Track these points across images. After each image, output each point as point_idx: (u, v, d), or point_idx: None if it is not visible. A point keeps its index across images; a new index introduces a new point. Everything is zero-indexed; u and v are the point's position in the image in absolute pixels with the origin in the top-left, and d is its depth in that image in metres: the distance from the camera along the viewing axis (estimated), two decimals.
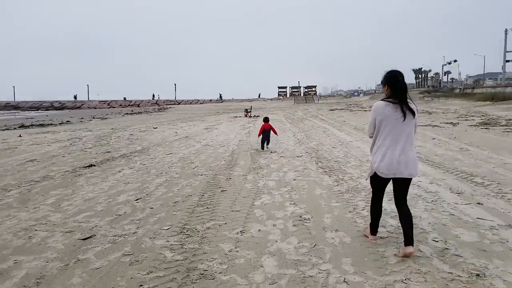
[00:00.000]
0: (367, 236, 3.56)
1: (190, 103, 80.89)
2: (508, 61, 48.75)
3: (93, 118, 33.67)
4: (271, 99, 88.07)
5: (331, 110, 31.22)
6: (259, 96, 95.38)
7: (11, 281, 2.97)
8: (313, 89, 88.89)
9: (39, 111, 62.61)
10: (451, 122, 14.76)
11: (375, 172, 3.30)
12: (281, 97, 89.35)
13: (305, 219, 4.14)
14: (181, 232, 3.90)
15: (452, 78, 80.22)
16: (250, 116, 25.51)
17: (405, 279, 2.77)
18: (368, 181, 3.57)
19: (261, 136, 9.60)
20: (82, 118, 32.97)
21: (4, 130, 20.32)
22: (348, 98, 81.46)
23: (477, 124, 13.69)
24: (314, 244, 3.42)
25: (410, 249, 3.07)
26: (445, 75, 76.15)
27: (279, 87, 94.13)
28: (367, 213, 4.17)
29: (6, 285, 2.94)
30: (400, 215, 3.31)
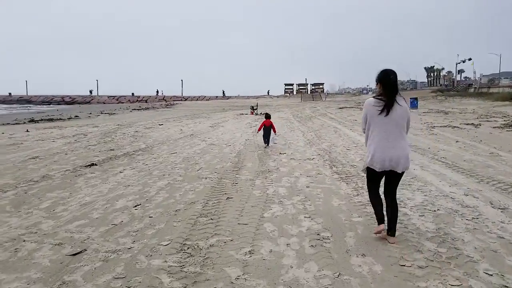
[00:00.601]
0: (377, 232, 3.53)
1: (197, 100, 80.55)
2: None
3: (101, 113, 33.53)
4: (277, 96, 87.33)
5: (340, 108, 30.51)
6: (268, 93, 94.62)
7: None
8: (320, 86, 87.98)
9: (51, 105, 63.19)
10: (472, 123, 14.03)
11: (368, 166, 3.50)
12: (288, 95, 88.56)
13: (324, 238, 3.59)
14: (181, 249, 3.39)
15: (466, 77, 78.54)
16: (257, 114, 24.97)
17: None
18: (365, 173, 3.72)
19: (261, 131, 9.74)
20: (90, 113, 32.85)
21: (14, 124, 20.14)
22: (357, 96, 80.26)
23: (501, 125, 12.95)
24: (338, 273, 2.87)
25: (392, 239, 3.43)
26: (458, 73, 74.51)
27: (286, 84, 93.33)
28: (397, 232, 3.61)
29: None
30: (387, 206, 3.54)
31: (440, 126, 13.37)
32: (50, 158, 8.41)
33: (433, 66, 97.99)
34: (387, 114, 3.30)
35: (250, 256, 3.21)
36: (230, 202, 4.82)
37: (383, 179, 3.59)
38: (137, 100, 76.36)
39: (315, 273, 2.88)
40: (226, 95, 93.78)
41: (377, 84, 3.43)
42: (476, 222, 4.00)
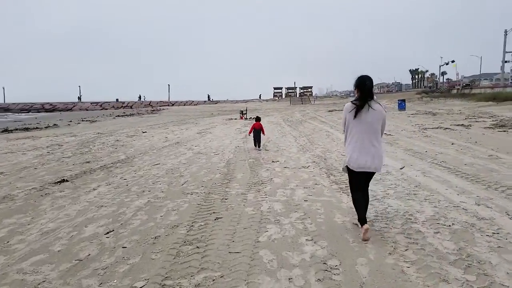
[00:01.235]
0: (357, 225, 3.81)
1: (184, 105, 79.51)
2: (507, 61, 48.23)
3: (82, 120, 32.42)
4: (267, 100, 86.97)
5: (329, 111, 30.22)
6: (259, 97, 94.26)
7: None
8: (309, 90, 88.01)
9: (30, 113, 61.08)
10: (462, 124, 13.76)
11: (346, 165, 3.75)
12: (277, 98, 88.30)
13: (331, 268, 3.01)
14: None
15: (448, 79, 79.81)
16: (246, 118, 24.39)
17: None
18: (345, 172, 3.90)
19: (251, 134, 10.15)
20: (70, 121, 31.70)
21: None
22: (344, 98, 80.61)
23: (491, 126, 12.69)
24: None
25: (366, 226, 3.57)
26: (442, 75, 75.66)
27: (275, 88, 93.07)
28: (415, 256, 3.06)
29: None
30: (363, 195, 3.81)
31: (432, 128, 13.04)
32: (16, 174, 7.62)
33: (417, 69, 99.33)
34: (356, 117, 3.58)
35: None
36: (219, 223, 4.20)
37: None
38: (122, 106, 74.88)
39: None
40: (213, 100, 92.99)
41: (354, 89, 3.68)
42: (498, 239, 3.50)
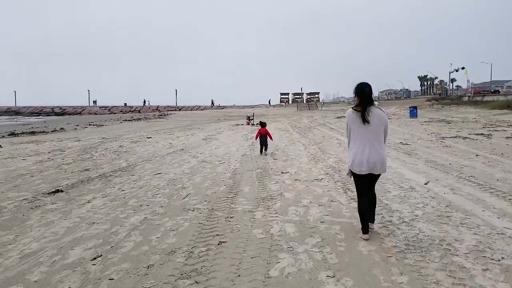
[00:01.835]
0: (361, 238, 3.77)
1: (191, 109, 79.40)
2: None
3: (89, 124, 32.24)
4: (273, 106, 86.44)
5: (337, 117, 29.53)
6: (269, 102, 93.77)
7: None
8: (316, 95, 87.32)
9: (40, 116, 61.50)
10: (481, 133, 13.03)
11: (350, 169, 3.80)
12: (284, 104, 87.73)
13: None
14: None
15: (457, 86, 78.60)
16: (253, 124, 23.86)
17: None
18: (350, 177, 3.94)
19: (258, 139, 10.13)
20: (77, 125, 31.54)
21: None
22: (352, 105, 79.68)
23: None
24: None
25: (371, 225, 3.83)
26: (451, 82, 74.47)
27: (281, 94, 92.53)
28: None
29: None
30: (369, 198, 3.86)
31: (450, 137, 12.34)
32: (10, 182, 7.16)
33: (427, 75, 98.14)
34: (364, 122, 3.66)
35: None
36: (224, 249, 3.62)
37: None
38: (130, 111, 75.04)
39: None
40: (220, 105, 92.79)
41: (355, 96, 3.78)
42: None
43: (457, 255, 3.32)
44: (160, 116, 49.69)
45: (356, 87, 3.77)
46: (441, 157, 8.41)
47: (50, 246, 3.90)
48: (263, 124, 10.34)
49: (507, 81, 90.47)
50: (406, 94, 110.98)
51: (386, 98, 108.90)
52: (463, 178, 6.22)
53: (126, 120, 39.88)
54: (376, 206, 4.11)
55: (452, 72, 69.45)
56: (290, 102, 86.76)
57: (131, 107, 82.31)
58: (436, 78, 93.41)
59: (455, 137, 12.41)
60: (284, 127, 20.97)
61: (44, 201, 5.78)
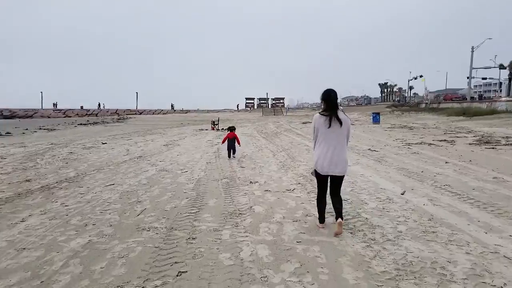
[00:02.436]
0: (318, 226, 4.20)
1: (153, 113, 76.90)
2: (473, 77, 50.20)
3: (40, 129, 29.93)
4: (238, 111, 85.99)
5: (303, 123, 29.56)
6: (237, 107, 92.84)
7: None
8: (281, 101, 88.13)
9: None
10: (445, 140, 13.28)
11: (314, 169, 4.12)
12: (249, 108, 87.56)
13: None
14: None
15: (414, 93, 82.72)
16: (218, 129, 23.14)
17: None
18: (314, 176, 4.23)
19: (225, 143, 10.13)
20: (26, 129, 29.12)
21: None
22: (316, 110, 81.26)
23: (475, 142, 12.25)
24: None
25: (339, 220, 3.93)
26: (410, 89, 78.20)
27: (247, 98, 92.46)
28: None
29: None
30: (333, 203, 4.05)
31: (415, 143, 12.42)
32: None
33: (387, 83, 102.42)
34: (330, 126, 3.91)
35: None
36: (184, 282, 2.96)
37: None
38: (87, 114, 71.27)
39: None
40: (183, 109, 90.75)
41: (321, 101, 4.02)
42: None
43: (454, 281, 2.90)
44: (119, 120, 47.45)
45: (323, 93, 4.00)
46: (412, 164, 8.24)
47: None
48: (231, 128, 10.40)
49: (460, 89, 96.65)
50: (367, 100, 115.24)
51: (348, 104, 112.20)
52: (439, 187, 5.97)
53: (81, 124, 37.50)
54: (355, 219, 4.07)
55: (411, 79, 72.91)
56: (256, 107, 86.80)
57: (88, 110, 78.26)
58: (396, 85, 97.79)
59: (420, 143, 12.51)
60: (250, 132, 20.46)
61: None
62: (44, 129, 29.61)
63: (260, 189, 6.21)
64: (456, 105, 41.94)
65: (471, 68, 48.88)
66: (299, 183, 6.61)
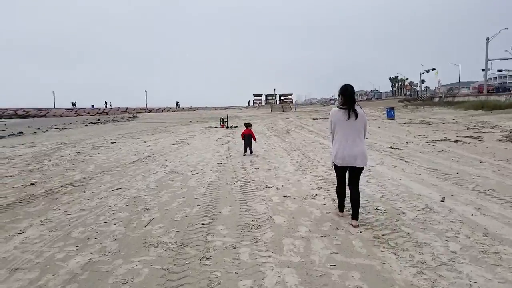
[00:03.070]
0: (338, 215, 4.45)
1: (162, 111, 76.83)
2: (488, 69, 48.49)
3: (51, 128, 29.92)
4: (246, 107, 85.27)
5: (314, 119, 28.83)
6: (248, 103, 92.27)
7: None
8: (289, 97, 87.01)
9: (2, 119, 57.24)
10: (470, 136, 12.48)
11: (333, 162, 4.19)
12: (257, 105, 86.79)
13: None
14: None
15: (426, 87, 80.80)
16: (227, 127, 22.60)
17: None
18: (333, 169, 4.31)
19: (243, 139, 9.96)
20: (38, 128, 29.16)
21: None
22: (325, 106, 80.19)
23: (506, 138, 11.41)
24: None
25: (354, 222, 4.10)
26: (422, 83, 76.33)
27: (254, 95, 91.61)
28: None
29: None
30: (351, 195, 4.19)
31: (439, 140, 11.66)
32: None
33: (397, 76, 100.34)
34: (348, 119, 4.03)
35: None
36: None
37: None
38: (97, 113, 71.58)
39: None
40: (192, 106, 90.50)
41: (339, 96, 4.19)
42: None
43: None
44: (129, 118, 47.35)
45: (341, 87, 4.13)
46: (443, 165, 7.54)
47: None
48: (247, 125, 10.23)
49: (473, 82, 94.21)
50: (377, 95, 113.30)
51: (357, 99, 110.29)
52: (483, 193, 5.29)
53: (92, 123, 37.43)
54: (395, 234, 3.54)
55: (423, 73, 71.09)
56: (264, 103, 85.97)
57: (99, 108, 78.66)
58: (407, 79, 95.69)
59: (445, 140, 11.74)
60: (261, 129, 19.85)
61: None
62: (56, 128, 29.57)
63: (278, 195, 5.63)
64: (472, 98, 40.61)
65: (487, 59, 47.15)
66: (320, 188, 6.00)
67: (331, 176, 6.86)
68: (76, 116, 65.01)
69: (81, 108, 78.51)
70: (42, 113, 70.00)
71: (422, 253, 3.34)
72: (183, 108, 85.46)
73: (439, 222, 4.12)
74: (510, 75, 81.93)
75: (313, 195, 5.53)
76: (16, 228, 4.54)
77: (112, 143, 14.34)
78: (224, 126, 23.11)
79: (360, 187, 5.93)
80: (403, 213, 4.50)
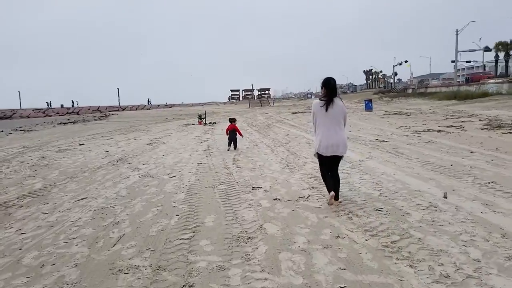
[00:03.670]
0: (330, 202, 4.49)
1: (136, 109, 74.58)
2: (456, 61, 49.83)
3: (16, 130, 27.99)
4: (224, 103, 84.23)
5: (293, 113, 28.48)
6: (229, 99, 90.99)
7: None
8: (267, 91, 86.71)
9: None
10: (451, 125, 12.38)
11: (317, 152, 4.47)
12: (234, 101, 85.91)
13: None
14: None
15: (399, 79, 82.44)
16: (205, 124, 21.82)
17: None
18: (316, 158, 4.61)
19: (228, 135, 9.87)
20: (1, 131, 27.13)
21: None
22: (303, 100, 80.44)
23: (487, 127, 11.37)
24: None
25: (336, 202, 4.45)
26: (395, 75, 77.77)
27: (232, 90, 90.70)
28: None
29: None
30: (332, 178, 4.54)
31: (422, 131, 11.47)
32: None
33: (371, 69, 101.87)
34: (327, 110, 4.31)
35: None
36: None
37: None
38: (67, 113, 68.54)
39: None
40: (167, 103, 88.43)
41: (321, 88, 4.44)
42: None
43: None
44: (101, 118, 45.40)
45: (324, 80, 4.37)
46: (434, 156, 7.22)
47: None
48: (232, 120, 10.08)
49: (442, 74, 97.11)
50: (353, 88, 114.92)
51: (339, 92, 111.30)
52: (485, 186, 4.94)
53: (61, 124, 35.50)
54: (406, 241, 3.11)
55: (396, 65, 72.40)
56: (241, 99, 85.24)
57: (69, 108, 75.41)
58: (381, 71, 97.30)
59: (428, 130, 11.57)
60: (240, 125, 19.18)
61: None
62: (21, 130, 27.70)
63: (267, 198, 5.07)
64: (444, 89, 41.64)
65: (456, 51, 48.49)
66: (312, 187, 5.48)
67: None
68: (44, 116, 62.00)
69: (50, 108, 74.89)
70: (7, 115, 66.26)
71: (442, 264, 2.87)
72: (158, 105, 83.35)
73: (449, 223, 3.69)
74: (477, 66, 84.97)
75: (306, 197, 5.00)
76: None
77: (80, 145, 13.31)
78: (202, 123, 22.30)
79: (354, 185, 5.56)
80: (408, 213, 4.04)
